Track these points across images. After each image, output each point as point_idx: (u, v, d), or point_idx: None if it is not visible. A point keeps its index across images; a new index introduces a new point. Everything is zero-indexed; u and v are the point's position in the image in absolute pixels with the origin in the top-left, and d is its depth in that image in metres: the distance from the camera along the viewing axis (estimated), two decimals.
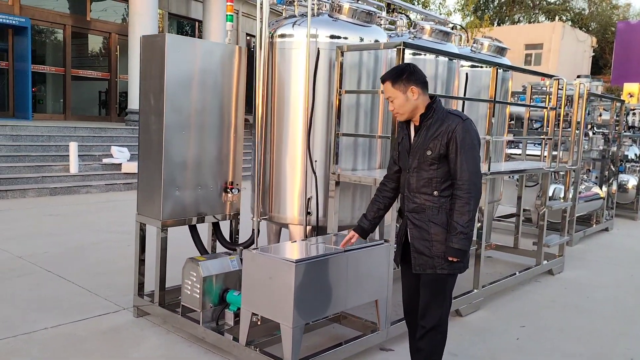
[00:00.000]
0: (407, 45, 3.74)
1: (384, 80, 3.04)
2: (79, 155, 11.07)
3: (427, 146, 2.93)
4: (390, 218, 3.78)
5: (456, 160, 2.88)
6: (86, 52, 17.46)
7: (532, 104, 7.65)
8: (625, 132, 9.96)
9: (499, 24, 39.55)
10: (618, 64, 32.12)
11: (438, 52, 4.61)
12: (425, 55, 5.00)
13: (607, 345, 4.24)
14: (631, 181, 10.21)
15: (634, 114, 10.32)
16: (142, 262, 4.32)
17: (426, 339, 3.03)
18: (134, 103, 14.01)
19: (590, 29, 39.72)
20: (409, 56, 4.71)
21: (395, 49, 3.75)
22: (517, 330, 4.44)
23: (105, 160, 11.60)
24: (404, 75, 2.97)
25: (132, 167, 11.13)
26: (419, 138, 2.99)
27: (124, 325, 4.17)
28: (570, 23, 38.43)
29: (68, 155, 10.94)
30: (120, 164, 11.58)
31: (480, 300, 4.87)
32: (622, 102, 8.96)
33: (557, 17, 39.10)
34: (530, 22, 41.13)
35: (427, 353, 3.07)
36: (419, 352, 3.10)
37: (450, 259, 2.89)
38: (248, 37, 19.84)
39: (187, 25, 19.36)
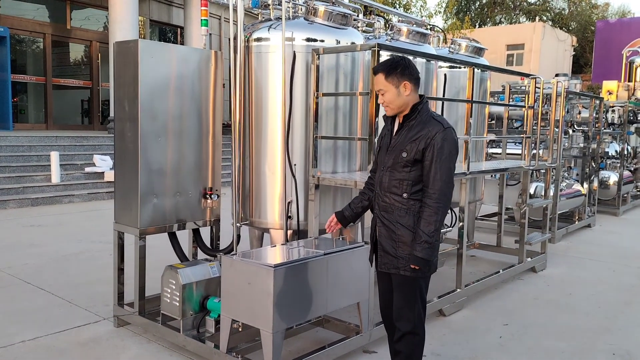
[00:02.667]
0: (382, 46, 3.75)
1: (376, 71, 2.95)
2: (60, 165, 10.95)
3: (403, 147, 2.90)
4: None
5: (430, 168, 2.84)
6: (67, 61, 17.31)
7: (511, 103, 7.70)
8: (605, 129, 10.07)
9: (480, 26, 39.87)
10: (598, 62, 32.49)
11: (414, 53, 4.61)
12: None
13: (590, 341, 4.26)
14: (612, 177, 10.32)
15: (613, 111, 10.43)
16: (121, 271, 4.27)
17: (404, 342, 3.01)
18: None
19: (570, 28, 40.15)
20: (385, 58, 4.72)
21: (370, 51, 3.75)
22: (500, 329, 4.45)
23: (88, 169, 11.50)
24: (399, 68, 2.89)
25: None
26: (398, 137, 2.95)
27: (105, 335, 4.12)
28: (550, 23, 38.82)
29: (49, 165, 10.82)
30: (103, 172, 11.48)
31: (463, 299, 4.88)
32: (601, 99, 9.06)
33: (537, 18, 39.49)
34: (511, 23, 41.48)
35: (405, 355, 3.05)
36: (398, 354, 3.08)
37: (412, 266, 2.87)
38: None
39: (169, 32, 19.28)
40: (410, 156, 2.88)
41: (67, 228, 8.03)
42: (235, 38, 4.15)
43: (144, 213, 3.93)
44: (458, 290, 4.84)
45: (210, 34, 18.29)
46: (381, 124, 3.85)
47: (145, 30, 17.65)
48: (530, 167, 5.68)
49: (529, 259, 6.08)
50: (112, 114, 14.39)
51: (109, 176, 11.27)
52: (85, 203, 10.38)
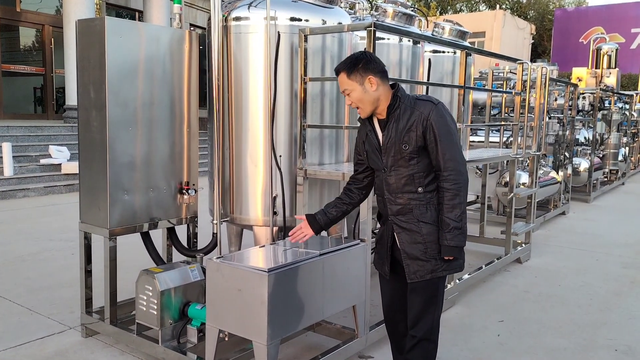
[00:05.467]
0: (378, 26, 3.43)
1: (338, 71, 2.69)
2: (13, 157, 10.25)
3: (401, 140, 2.62)
4: (366, 214, 3.49)
5: (437, 150, 2.59)
6: (18, 46, 16.32)
7: (500, 90, 7.52)
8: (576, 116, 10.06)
9: (441, 13, 40.03)
10: (557, 50, 33.16)
11: (411, 35, 4.32)
12: (388, 39, 4.73)
13: (589, 336, 4.11)
14: (583, 164, 10.35)
15: (583, 98, 10.44)
16: (88, 273, 3.86)
17: (417, 350, 2.74)
18: (72, 99, 13.18)
19: (528, 17, 40.74)
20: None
21: (366, 31, 3.43)
22: (497, 326, 4.25)
23: (43, 161, 10.81)
24: (360, 64, 2.62)
25: (72, 167, 10.42)
26: (389, 132, 2.66)
27: (72, 347, 3.71)
28: (509, 11, 39.25)
29: (1, 157, 10.11)
30: (60, 164, 10.82)
31: (455, 295, 4.66)
32: (576, 86, 9.00)
33: (497, 6, 39.88)
34: (471, 11, 41.80)
35: None
36: None
37: (446, 258, 2.62)
38: (192, 28, 19.10)
39: (126, 16, 18.42)
40: (413, 145, 2.61)
41: (22, 225, 7.45)
42: (214, 17, 3.76)
43: (114, 212, 3.53)
44: (449, 285, 4.61)
45: (170, 19, 17.59)
46: None
47: (102, 14, 16.80)
48: (518, 156, 5.50)
49: (515, 250, 5.92)
50: (67, 102, 13.67)
51: (67, 168, 10.64)
52: (41, 197, 9.75)
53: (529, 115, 5.73)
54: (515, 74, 7.98)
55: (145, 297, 3.42)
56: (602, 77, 12.40)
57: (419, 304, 2.71)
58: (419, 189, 2.65)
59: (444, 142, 2.59)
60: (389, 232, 2.76)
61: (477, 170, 7.95)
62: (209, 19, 3.93)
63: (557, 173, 8.85)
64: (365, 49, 3.35)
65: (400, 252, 2.69)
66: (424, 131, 2.59)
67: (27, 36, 16.33)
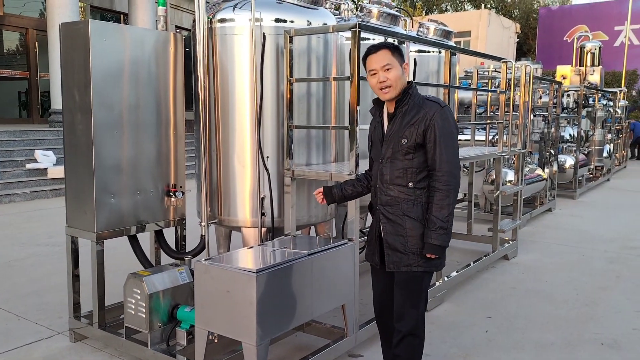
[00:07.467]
0: (362, 27, 3.45)
1: (379, 47, 2.75)
2: None
3: (402, 134, 2.72)
4: (354, 213, 3.51)
5: (434, 150, 2.68)
6: (1, 50, 16.17)
7: (485, 89, 7.57)
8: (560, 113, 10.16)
9: (427, 13, 40.23)
10: (541, 48, 33.45)
11: (396, 36, 4.34)
12: (373, 40, 4.75)
13: (576, 331, 4.16)
14: (569, 161, 10.46)
15: (568, 95, 10.55)
16: (76, 278, 3.84)
17: (403, 345, 2.78)
18: (57, 103, 13.07)
19: (513, 15, 41.05)
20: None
21: (350, 32, 3.45)
22: (485, 322, 4.29)
23: (29, 166, 10.71)
24: (399, 49, 2.77)
25: (59, 171, 10.34)
26: (393, 125, 2.77)
27: (60, 352, 3.69)
28: (494, 11, 39.53)
29: None
30: (46, 168, 10.72)
31: (443, 292, 4.70)
32: (560, 84, 9.10)
33: (482, 5, 40.14)
34: (457, 11, 42.05)
35: None
36: (396, 359, 2.84)
37: (428, 255, 2.67)
38: (178, 30, 19.03)
39: (111, 19, 18.33)
40: (411, 141, 2.70)
41: (9, 231, 7.39)
42: (198, 19, 3.76)
43: (100, 215, 3.52)
44: (437, 283, 4.64)
45: (155, 21, 17.54)
46: (362, 112, 3.60)
47: (87, 17, 16.70)
48: (503, 154, 5.55)
49: (502, 247, 5.97)
50: (52, 105, 13.56)
51: (53, 173, 10.56)
52: (27, 202, 9.66)
53: (514, 113, 5.78)
54: (500, 72, 8.06)
55: (133, 301, 3.41)
56: (586, 74, 12.54)
57: (402, 297, 2.78)
58: (410, 184, 2.72)
59: (442, 144, 2.67)
60: (377, 221, 2.83)
61: (464, 169, 8.00)
62: (194, 20, 3.93)
63: (543, 170, 8.94)
64: (350, 49, 3.37)
65: (383, 241, 2.77)
66: (425, 130, 2.68)
67: (10, 40, 16.18)
